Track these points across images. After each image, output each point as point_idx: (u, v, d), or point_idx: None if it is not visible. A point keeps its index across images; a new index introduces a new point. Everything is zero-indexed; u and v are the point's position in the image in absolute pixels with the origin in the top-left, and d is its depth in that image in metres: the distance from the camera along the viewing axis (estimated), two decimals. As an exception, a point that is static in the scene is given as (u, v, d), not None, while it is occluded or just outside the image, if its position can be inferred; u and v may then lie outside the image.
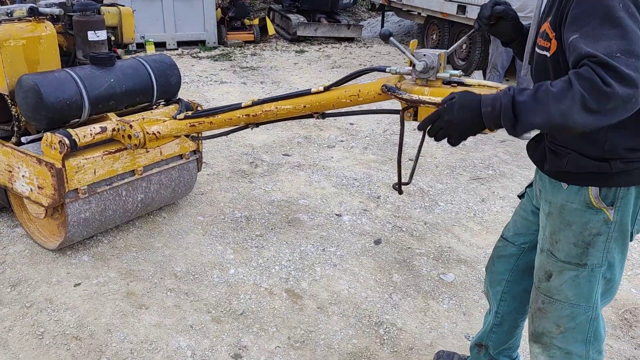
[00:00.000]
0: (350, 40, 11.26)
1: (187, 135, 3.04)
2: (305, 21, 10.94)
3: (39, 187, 2.94)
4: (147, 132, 2.89)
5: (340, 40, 11.19)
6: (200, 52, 9.69)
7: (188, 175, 3.63)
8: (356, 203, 4.10)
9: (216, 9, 10.20)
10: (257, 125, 2.55)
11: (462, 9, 8.08)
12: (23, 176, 3.02)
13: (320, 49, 10.47)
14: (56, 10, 3.12)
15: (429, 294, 3.05)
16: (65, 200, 2.89)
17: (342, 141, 5.45)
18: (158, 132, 2.90)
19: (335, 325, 2.77)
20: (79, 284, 2.98)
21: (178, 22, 9.85)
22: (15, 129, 3.15)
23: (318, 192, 4.27)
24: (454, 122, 1.48)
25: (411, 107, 1.84)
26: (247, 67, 8.69)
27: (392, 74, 1.97)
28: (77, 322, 2.70)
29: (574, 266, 1.68)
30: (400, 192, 2.02)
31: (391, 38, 1.84)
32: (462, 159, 5.04)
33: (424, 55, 1.79)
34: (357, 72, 2.12)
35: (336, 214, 3.91)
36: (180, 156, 3.51)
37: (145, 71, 3.31)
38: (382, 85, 1.93)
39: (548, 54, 1.57)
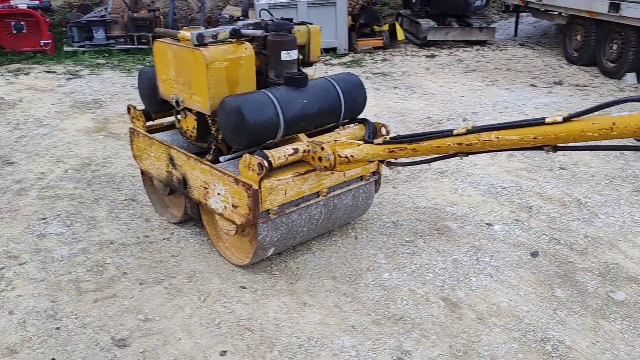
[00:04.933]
0: (481, 43, 10.91)
1: (381, 161, 2.89)
2: (436, 25, 10.79)
3: (233, 206, 2.98)
4: (339, 155, 2.86)
5: (471, 43, 10.88)
6: (331, 59, 9.95)
7: (367, 196, 3.56)
8: (506, 212, 3.97)
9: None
10: (468, 154, 2.35)
11: (614, 6, 7.47)
12: (218, 194, 3.07)
13: (451, 52, 10.27)
14: (258, 32, 3.13)
15: (598, 312, 2.87)
16: (257, 220, 2.93)
17: (484, 148, 5.29)
18: (351, 155, 2.85)
19: (497, 337, 2.71)
20: (245, 287, 3.17)
21: (312, 30, 10.19)
22: (212, 146, 3.24)
23: (465, 199, 4.20)
24: None
25: None
26: (378, 73, 8.77)
27: None
28: (248, 315, 2.90)
29: None
30: None
31: None
32: (622, 168, 4.67)
33: None
34: (608, 102, 1.93)
35: (486, 223, 3.81)
36: (361, 177, 3.42)
37: (334, 91, 3.26)
38: None
39: None
